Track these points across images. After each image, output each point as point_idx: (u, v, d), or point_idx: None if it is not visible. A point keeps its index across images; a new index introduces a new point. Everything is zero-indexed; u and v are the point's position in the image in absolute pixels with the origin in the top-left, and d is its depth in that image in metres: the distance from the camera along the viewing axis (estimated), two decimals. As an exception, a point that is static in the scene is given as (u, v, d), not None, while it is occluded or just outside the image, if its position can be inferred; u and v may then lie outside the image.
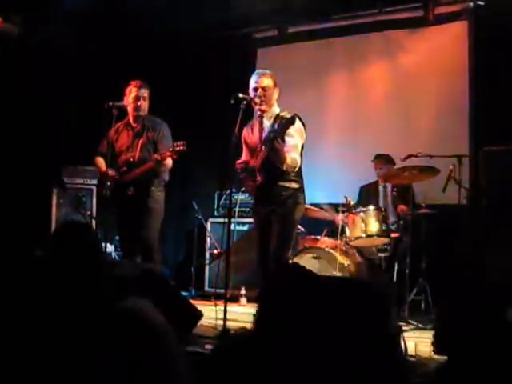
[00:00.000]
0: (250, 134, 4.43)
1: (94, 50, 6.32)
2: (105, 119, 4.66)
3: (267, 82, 4.29)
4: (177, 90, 6.77)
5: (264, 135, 4.29)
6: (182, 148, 4.44)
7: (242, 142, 4.50)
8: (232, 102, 4.12)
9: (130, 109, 4.75)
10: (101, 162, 4.78)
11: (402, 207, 5.42)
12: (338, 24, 6.78)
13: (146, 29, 6.51)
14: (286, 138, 4.14)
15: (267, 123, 4.32)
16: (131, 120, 4.80)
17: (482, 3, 5.96)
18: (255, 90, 4.28)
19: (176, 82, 6.78)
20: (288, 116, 4.11)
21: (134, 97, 4.70)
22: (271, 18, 6.78)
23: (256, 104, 4.30)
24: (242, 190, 4.53)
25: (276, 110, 4.36)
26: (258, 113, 4.37)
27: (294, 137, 4.19)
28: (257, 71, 4.44)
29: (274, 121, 4.27)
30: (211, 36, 6.92)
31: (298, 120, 4.12)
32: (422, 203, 5.26)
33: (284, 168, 4.13)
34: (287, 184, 4.23)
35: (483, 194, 4.66)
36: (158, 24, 6.52)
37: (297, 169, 4.22)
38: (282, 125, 4.09)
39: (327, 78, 6.84)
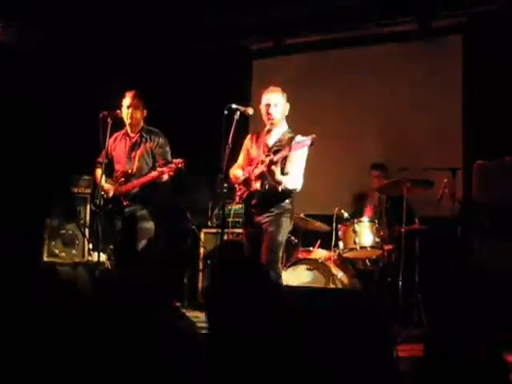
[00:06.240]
0: (254, 144, 4.46)
1: (89, 60, 6.33)
2: (99, 128, 4.66)
3: (278, 98, 4.37)
4: (172, 101, 6.77)
5: (267, 149, 4.34)
6: (180, 166, 4.47)
7: (244, 148, 4.53)
8: (226, 112, 4.16)
9: (124, 119, 4.78)
10: (99, 173, 4.80)
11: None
12: (334, 36, 6.80)
13: (142, 39, 6.52)
14: (291, 158, 4.19)
15: (274, 138, 4.38)
16: (129, 130, 4.82)
17: (476, 18, 6.01)
18: (267, 106, 4.36)
19: (171, 93, 6.79)
20: (293, 135, 4.20)
21: (126, 106, 4.75)
22: (267, 29, 6.81)
23: (267, 120, 4.37)
24: (236, 201, 4.55)
25: (284, 127, 4.42)
26: (267, 127, 4.43)
27: (299, 157, 4.24)
28: (269, 88, 4.46)
29: (281, 137, 4.35)
30: (207, 47, 6.94)
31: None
32: (415, 218, 5.26)
33: (279, 190, 4.17)
34: (278, 195, 4.24)
35: (476, 207, 4.67)
36: (153, 34, 6.54)
37: (297, 190, 4.24)
38: (286, 143, 4.16)
39: (323, 90, 6.86)
